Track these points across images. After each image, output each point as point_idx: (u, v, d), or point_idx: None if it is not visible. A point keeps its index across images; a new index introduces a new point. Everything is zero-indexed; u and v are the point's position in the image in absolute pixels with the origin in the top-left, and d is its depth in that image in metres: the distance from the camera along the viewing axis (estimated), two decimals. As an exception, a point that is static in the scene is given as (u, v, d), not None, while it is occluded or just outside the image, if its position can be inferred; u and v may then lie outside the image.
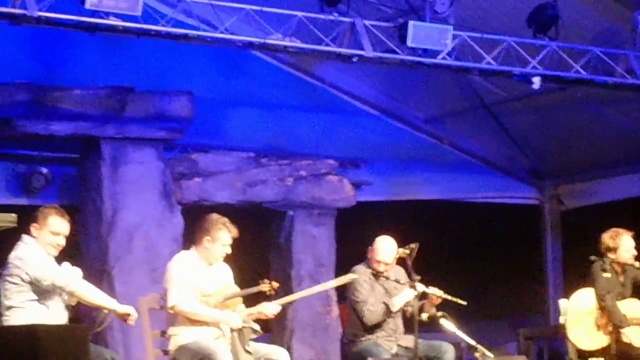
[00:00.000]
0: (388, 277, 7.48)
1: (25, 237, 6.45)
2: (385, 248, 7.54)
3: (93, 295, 6.36)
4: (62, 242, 6.43)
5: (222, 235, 6.93)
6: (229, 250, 6.99)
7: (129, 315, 6.40)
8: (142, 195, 8.84)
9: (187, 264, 6.95)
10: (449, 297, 7.39)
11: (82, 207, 8.90)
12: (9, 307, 6.32)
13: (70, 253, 6.83)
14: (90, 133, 8.69)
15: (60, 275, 6.29)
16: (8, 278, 6.34)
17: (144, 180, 8.85)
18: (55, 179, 8.89)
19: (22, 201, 8.68)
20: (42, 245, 6.41)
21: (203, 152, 9.30)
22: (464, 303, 7.39)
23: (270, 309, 7.02)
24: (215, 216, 7.04)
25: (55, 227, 6.40)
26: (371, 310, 7.40)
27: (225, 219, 7.02)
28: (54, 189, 8.91)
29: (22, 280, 6.28)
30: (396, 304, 7.40)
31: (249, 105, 9.53)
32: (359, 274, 7.53)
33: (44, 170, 8.79)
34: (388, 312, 7.39)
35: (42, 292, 6.30)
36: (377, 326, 7.51)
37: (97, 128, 8.67)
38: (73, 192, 8.97)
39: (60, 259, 6.63)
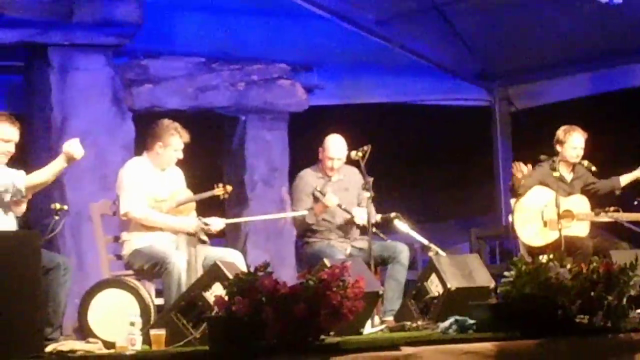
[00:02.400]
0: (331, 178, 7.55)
1: None
2: (335, 144, 7.62)
3: (42, 174, 6.31)
4: (12, 149, 6.39)
5: (173, 141, 6.94)
6: (180, 156, 7.00)
7: (71, 154, 6.33)
8: (91, 103, 8.75)
9: (139, 169, 6.95)
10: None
11: (30, 116, 8.79)
12: None
13: (19, 162, 6.78)
14: (37, 40, 8.54)
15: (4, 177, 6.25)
16: None
17: (94, 87, 8.76)
18: (1, 87, 8.77)
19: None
20: None
21: (153, 57, 9.19)
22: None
23: (217, 224, 7.05)
24: (166, 121, 7.04)
25: (6, 134, 6.35)
26: (307, 216, 7.50)
27: (177, 124, 7.02)
28: (1, 97, 8.79)
29: None
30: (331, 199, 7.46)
31: (199, 10, 9.40)
32: (300, 180, 7.62)
33: (-8, 78, 8.66)
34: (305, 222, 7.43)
35: None
36: (329, 229, 7.60)
37: (43, 35, 8.52)
38: (20, 101, 8.85)
39: (9, 168, 6.59)
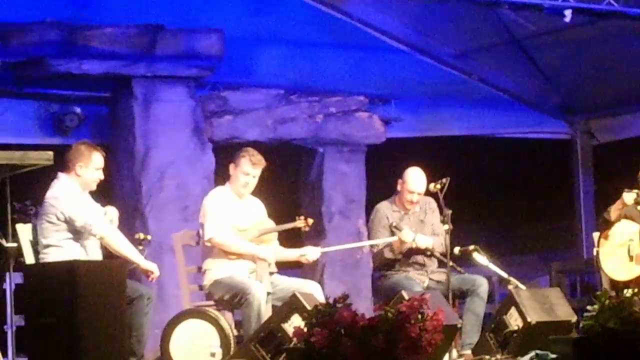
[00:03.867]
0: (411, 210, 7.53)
1: (61, 175, 6.54)
2: (416, 178, 7.61)
3: (119, 244, 6.45)
4: (102, 176, 6.58)
5: (243, 163, 7.02)
6: (250, 180, 7.04)
7: (152, 272, 6.51)
8: (173, 134, 8.86)
9: (223, 198, 7.04)
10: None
11: (114, 147, 8.95)
12: (47, 246, 6.42)
13: (103, 193, 6.92)
14: (122, 72, 8.69)
15: (91, 218, 6.38)
16: (44, 217, 6.44)
17: (176, 118, 8.88)
18: (87, 118, 8.93)
19: (55, 141, 8.71)
20: (82, 183, 6.51)
21: (233, 89, 9.29)
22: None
23: (313, 254, 7.12)
24: (239, 152, 7.13)
25: (99, 162, 6.54)
26: (385, 250, 7.49)
27: (249, 149, 7.11)
28: (87, 128, 8.96)
29: (58, 219, 6.38)
30: (421, 240, 7.44)
31: (278, 43, 9.49)
32: (376, 214, 7.64)
33: (77, 109, 8.83)
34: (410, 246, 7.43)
35: (77, 231, 6.40)
36: (407, 262, 7.58)
37: (128, 66, 8.67)
38: (105, 131, 9.01)
39: (94, 198, 6.73)
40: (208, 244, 6.95)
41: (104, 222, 6.45)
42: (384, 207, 7.72)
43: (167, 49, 8.73)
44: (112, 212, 6.68)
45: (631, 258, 7.59)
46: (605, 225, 7.71)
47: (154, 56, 8.71)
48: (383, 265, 7.64)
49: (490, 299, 8.04)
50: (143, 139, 8.77)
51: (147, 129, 8.79)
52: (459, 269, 7.50)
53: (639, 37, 9.28)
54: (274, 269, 6.98)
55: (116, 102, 8.94)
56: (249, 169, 7.03)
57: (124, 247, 6.47)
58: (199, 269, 7.11)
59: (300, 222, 7.11)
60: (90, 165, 6.54)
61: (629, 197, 7.58)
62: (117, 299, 5.48)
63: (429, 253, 7.59)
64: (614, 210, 7.66)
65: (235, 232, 6.96)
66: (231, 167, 7.11)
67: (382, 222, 7.63)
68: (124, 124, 8.85)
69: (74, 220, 6.36)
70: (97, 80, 8.71)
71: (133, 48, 8.63)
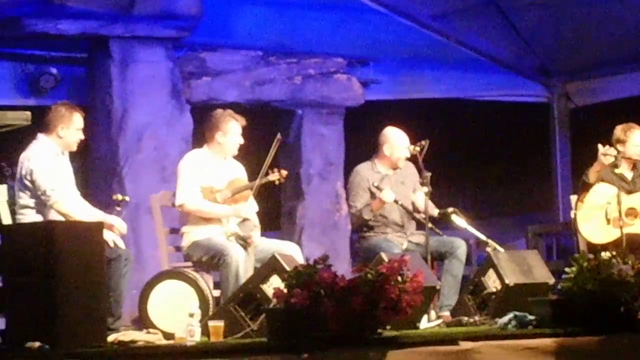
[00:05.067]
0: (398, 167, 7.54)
1: (40, 136, 6.49)
2: (402, 135, 7.64)
3: (76, 213, 6.37)
4: (83, 136, 6.54)
5: (232, 126, 7.01)
6: (242, 140, 7.05)
7: (114, 226, 6.46)
8: (151, 95, 8.81)
9: (196, 161, 7.01)
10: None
11: (91, 108, 8.87)
12: (23, 206, 6.39)
13: (79, 154, 6.88)
14: (99, 32, 8.61)
15: (51, 185, 6.31)
16: (20, 178, 6.40)
17: (153, 79, 8.82)
18: (64, 79, 8.86)
19: (31, 101, 8.64)
20: (64, 144, 6.47)
21: (211, 51, 9.23)
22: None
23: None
24: (220, 110, 7.12)
25: (79, 123, 6.52)
26: (357, 211, 7.47)
27: (231, 111, 7.09)
28: (63, 89, 8.88)
29: (28, 180, 6.33)
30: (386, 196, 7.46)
31: (256, 4, 9.42)
32: (357, 176, 7.62)
33: (53, 70, 8.75)
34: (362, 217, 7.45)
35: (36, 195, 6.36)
36: (386, 224, 7.58)
37: (105, 27, 8.59)
38: (82, 93, 8.93)
39: (70, 159, 6.68)
40: (179, 209, 6.95)
41: (59, 192, 6.36)
42: (364, 169, 7.72)
43: (144, 9, 8.65)
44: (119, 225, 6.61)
45: (608, 221, 7.62)
46: (584, 188, 7.74)
47: (131, 16, 8.64)
48: (362, 226, 7.64)
49: (469, 261, 8.06)
50: (120, 100, 8.72)
51: (124, 90, 8.73)
52: (437, 231, 7.51)
53: (616, 0, 9.27)
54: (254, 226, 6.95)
55: (93, 62, 8.86)
56: (238, 129, 7.02)
57: (80, 214, 6.39)
58: (176, 230, 7.10)
59: (273, 176, 7.08)
60: (72, 127, 6.50)
61: (605, 157, 7.59)
62: (94, 260, 5.46)
63: (408, 215, 7.59)
64: (592, 173, 7.69)
65: (208, 194, 6.93)
66: (213, 132, 7.03)
67: (362, 184, 7.62)
68: (100, 85, 8.78)
69: (36, 183, 6.32)
70: (74, 40, 8.62)
71: (110, 8, 8.56)
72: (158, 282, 6.69)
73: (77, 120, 6.53)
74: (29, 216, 6.37)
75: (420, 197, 7.52)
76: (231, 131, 7.03)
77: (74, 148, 6.58)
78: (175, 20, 8.74)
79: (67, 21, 8.44)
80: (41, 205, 6.35)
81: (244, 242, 6.74)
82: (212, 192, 6.98)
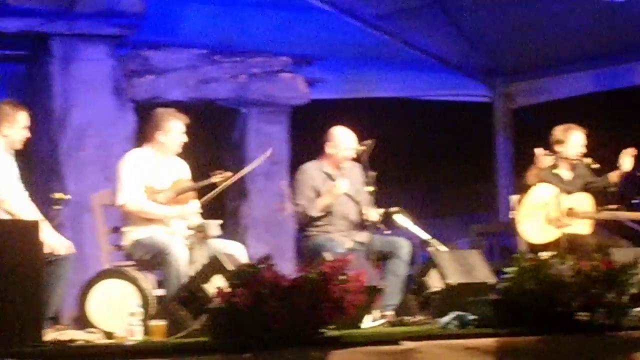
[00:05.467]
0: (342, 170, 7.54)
1: None
2: (344, 135, 7.62)
3: (25, 215, 6.29)
4: (28, 134, 6.45)
5: (174, 125, 6.96)
6: (185, 139, 7.00)
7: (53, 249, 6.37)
8: (93, 94, 8.74)
9: (138, 161, 6.95)
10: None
11: (32, 106, 8.73)
12: None
13: (20, 152, 6.79)
14: (40, 29, 8.52)
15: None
16: None
17: (96, 78, 8.75)
18: (4, 77, 8.75)
19: (-30, 100, 8.53)
20: (8, 143, 6.38)
21: (155, 49, 9.18)
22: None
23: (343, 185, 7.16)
24: (161, 109, 7.06)
25: (24, 121, 6.43)
26: (302, 210, 7.47)
27: (172, 109, 7.04)
28: (3, 87, 8.76)
29: None
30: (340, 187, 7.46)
31: (202, 1, 9.38)
32: (302, 174, 7.61)
33: (-5, 68, 8.66)
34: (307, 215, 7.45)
35: None
36: (330, 223, 7.58)
37: (46, 24, 8.51)
38: (22, 91, 8.83)
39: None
40: (121, 209, 6.88)
41: (8, 190, 6.28)
42: (310, 168, 7.71)
43: (86, 7, 8.58)
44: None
45: (548, 221, 7.69)
46: (523, 189, 7.80)
47: (73, 14, 8.56)
48: (306, 225, 7.63)
49: (413, 261, 8.10)
50: (62, 99, 8.64)
51: (66, 88, 8.65)
52: (383, 227, 7.52)
53: (559, 0, 9.36)
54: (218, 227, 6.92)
55: (34, 60, 8.77)
56: (181, 127, 6.97)
57: (26, 214, 6.30)
58: (115, 229, 7.03)
59: (216, 177, 7.04)
60: (16, 125, 6.42)
61: (544, 159, 7.67)
62: (33, 259, 5.38)
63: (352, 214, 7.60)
64: (530, 175, 7.75)
65: (150, 194, 6.88)
66: (154, 131, 6.98)
67: (308, 182, 7.61)
68: (42, 83, 8.69)
69: None
70: (14, 38, 8.52)
71: (51, 5, 8.47)
72: (98, 281, 6.63)
73: (21, 118, 6.45)
74: None
75: (370, 211, 7.54)
76: (173, 130, 6.97)
77: (19, 146, 6.50)
78: (118, 18, 8.67)
79: (7, 18, 8.35)
80: None
81: (203, 234, 6.70)
82: (154, 193, 6.92)
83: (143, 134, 7.20)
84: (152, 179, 6.95)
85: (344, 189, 7.46)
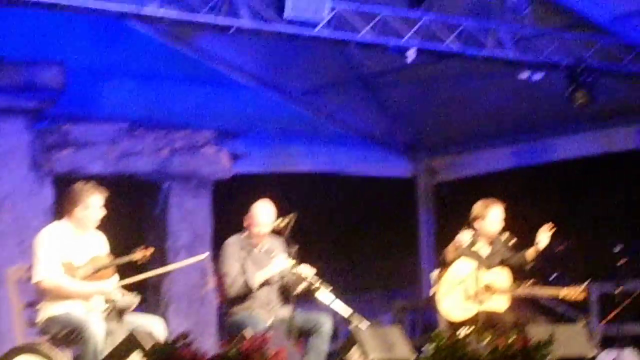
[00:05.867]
0: (262, 246, 7.48)
1: None
2: (263, 210, 7.56)
3: None
4: None
5: (93, 200, 6.84)
6: (104, 212, 6.88)
7: None
8: (10, 167, 8.65)
9: (55, 236, 6.81)
10: (314, 283, 7.39)
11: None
12: None
13: None
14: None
15: None
16: None
17: (12, 151, 8.66)
18: None
19: None
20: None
21: (75, 122, 9.12)
22: (328, 289, 7.44)
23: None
24: (79, 184, 6.94)
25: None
26: (232, 283, 7.41)
27: (91, 183, 6.93)
28: None
29: None
30: (257, 279, 7.40)
31: (124, 76, 9.37)
32: (228, 247, 7.54)
33: None
34: (248, 287, 7.39)
35: None
36: (250, 298, 7.50)
37: (-37, 98, 8.43)
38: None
39: None
40: (37, 286, 6.73)
41: None
42: (234, 241, 7.64)
43: (5, 81, 8.52)
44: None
45: (467, 297, 7.70)
46: (443, 265, 7.82)
47: (-10, 87, 8.48)
48: (230, 301, 7.52)
49: (336, 336, 8.05)
50: (-22, 172, 8.51)
51: (-18, 161, 8.53)
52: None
53: (479, 78, 9.53)
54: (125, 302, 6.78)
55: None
56: (100, 201, 6.86)
57: None
58: (31, 304, 6.87)
59: (137, 254, 6.93)
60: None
61: (463, 236, 7.71)
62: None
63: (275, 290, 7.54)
64: (449, 251, 7.78)
65: (68, 270, 6.74)
66: (73, 206, 6.85)
67: (235, 255, 7.52)
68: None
69: None
70: None
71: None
72: (11, 358, 6.44)
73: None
74: None
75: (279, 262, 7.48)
76: (92, 204, 6.86)
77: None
78: (37, 91, 8.61)
79: None
80: None
81: (121, 311, 6.58)
82: (72, 269, 6.78)
83: (61, 208, 7.08)
84: (70, 254, 6.81)
85: (282, 265, 7.41)
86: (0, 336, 7.73)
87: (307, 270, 7.43)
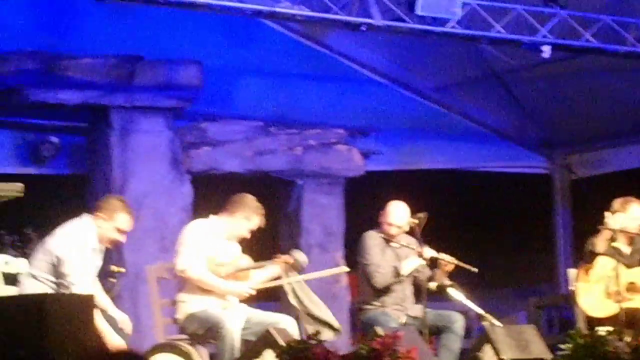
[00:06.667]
0: (399, 242, 7.48)
1: (85, 217, 6.45)
2: (398, 211, 7.56)
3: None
4: (123, 240, 6.45)
5: (257, 220, 6.95)
6: (248, 235, 6.99)
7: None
8: (151, 165, 8.84)
9: (204, 231, 6.95)
10: (460, 263, 7.39)
11: (91, 177, 8.91)
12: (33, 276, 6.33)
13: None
14: (99, 102, 8.69)
15: (78, 281, 6.27)
16: (44, 247, 6.33)
17: (153, 149, 8.86)
18: (64, 148, 8.89)
19: (31, 170, 8.68)
20: (99, 235, 6.41)
21: (212, 121, 9.28)
22: (475, 270, 7.38)
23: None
24: (254, 199, 7.00)
25: (122, 224, 6.45)
26: (381, 273, 7.41)
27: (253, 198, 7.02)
28: (63, 158, 8.91)
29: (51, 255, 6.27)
30: (405, 268, 7.41)
31: (258, 74, 9.50)
32: (370, 239, 7.55)
33: (54, 139, 8.79)
34: (397, 275, 7.40)
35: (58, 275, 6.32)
36: (386, 294, 7.50)
37: (106, 96, 8.67)
38: (82, 162, 8.98)
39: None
40: (180, 275, 6.88)
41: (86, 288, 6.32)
42: (375, 234, 7.64)
43: (145, 80, 8.72)
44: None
45: (608, 295, 7.54)
46: (589, 258, 7.63)
47: (132, 87, 8.71)
48: (369, 295, 7.51)
49: (469, 334, 7.98)
50: (120, 169, 8.74)
51: (124, 159, 8.76)
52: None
53: (617, 74, 9.32)
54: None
55: (93, 132, 8.92)
56: (256, 225, 6.97)
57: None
58: (173, 302, 7.04)
59: (280, 261, 7.04)
60: (111, 223, 6.45)
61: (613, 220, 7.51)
62: (86, 332, 5.40)
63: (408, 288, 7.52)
64: (599, 242, 7.58)
65: (212, 266, 6.87)
66: (237, 211, 6.95)
67: (379, 245, 7.52)
68: (101, 154, 8.82)
69: (61, 270, 6.27)
70: (74, 110, 8.68)
71: (111, 78, 8.62)
72: (152, 355, 6.62)
73: (120, 220, 6.46)
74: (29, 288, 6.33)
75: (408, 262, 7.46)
76: (252, 222, 6.97)
77: (108, 245, 6.54)
78: (176, 90, 8.81)
79: (68, 91, 8.51)
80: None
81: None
82: (216, 265, 6.91)
83: (222, 206, 7.10)
84: (215, 250, 6.94)
85: (406, 271, 7.41)
86: (142, 332, 7.89)
87: (448, 257, 7.39)
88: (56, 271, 6.28)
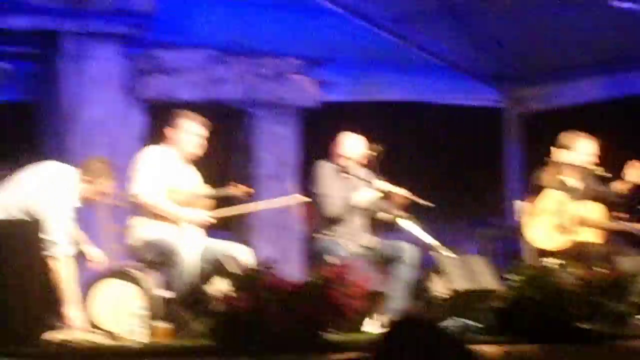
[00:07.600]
0: (351, 173, 7.50)
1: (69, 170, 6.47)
2: (348, 142, 7.57)
3: None
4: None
5: (195, 128, 6.94)
6: (204, 142, 6.97)
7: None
8: (103, 92, 8.75)
9: (158, 157, 6.91)
10: (413, 197, 7.43)
11: (42, 104, 8.80)
12: None
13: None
14: (50, 27, 8.54)
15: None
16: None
17: (106, 76, 8.76)
18: (16, 75, 8.77)
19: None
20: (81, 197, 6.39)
21: (166, 48, 9.19)
22: (428, 204, 7.43)
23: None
24: (182, 111, 7.02)
25: (105, 188, 6.63)
26: (331, 202, 7.44)
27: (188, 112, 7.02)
28: (15, 85, 8.79)
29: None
30: (356, 198, 7.44)
31: (213, 2, 9.38)
32: (321, 168, 7.57)
33: (5, 65, 8.66)
34: (348, 206, 7.43)
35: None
36: (338, 224, 7.54)
37: (56, 22, 8.52)
38: (34, 89, 8.86)
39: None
40: (133, 200, 6.85)
41: None
42: (328, 165, 7.64)
43: (97, 5, 8.59)
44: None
45: (557, 227, 7.63)
46: (535, 191, 7.69)
47: (83, 12, 8.56)
48: (325, 222, 7.54)
49: (420, 265, 8.07)
50: (71, 96, 8.64)
51: (75, 86, 8.66)
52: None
53: (570, 6, 9.32)
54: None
55: (44, 58, 8.78)
56: (200, 130, 6.95)
57: None
58: (126, 228, 7.02)
59: (237, 190, 7.04)
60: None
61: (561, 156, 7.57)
62: (31, 258, 5.39)
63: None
64: (546, 176, 7.64)
65: (167, 193, 6.86)
66: (171, 130, 6.94)
67: (332, 176, 7.52)
68: (52, 81, 8.71)
69: None
70: (25, 35, 8.54)
71: (63, 3, 8.48)
72: (102, 282, 6.62)
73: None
74: None
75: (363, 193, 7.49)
76: (193, 132, 6.96)
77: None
78: (128, 16, 8.68)
79: (18, 16, 8.36)
80: None
81: None
82: (173, 193, 6.89)
83: (161, 133, 7.12)
84: (172, 177, 6.92)
85: (356, 201, 7.43)
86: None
87: (401, 190, 7.43)
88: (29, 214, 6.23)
